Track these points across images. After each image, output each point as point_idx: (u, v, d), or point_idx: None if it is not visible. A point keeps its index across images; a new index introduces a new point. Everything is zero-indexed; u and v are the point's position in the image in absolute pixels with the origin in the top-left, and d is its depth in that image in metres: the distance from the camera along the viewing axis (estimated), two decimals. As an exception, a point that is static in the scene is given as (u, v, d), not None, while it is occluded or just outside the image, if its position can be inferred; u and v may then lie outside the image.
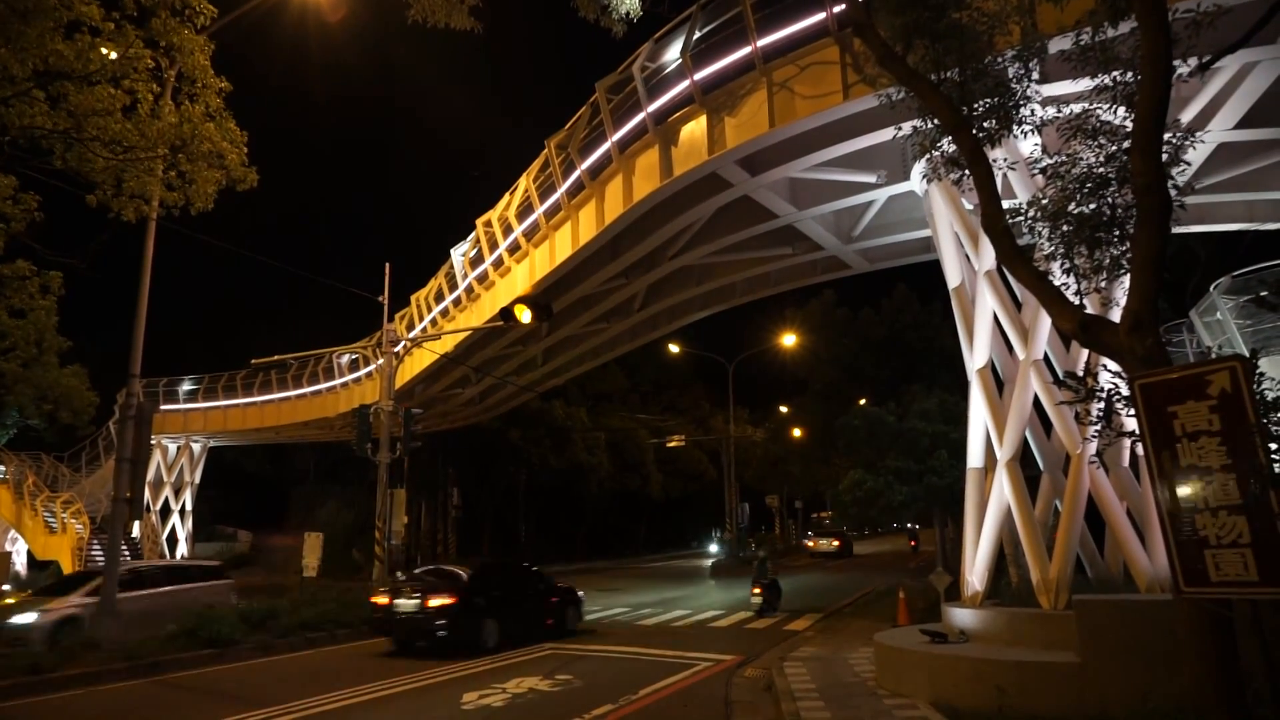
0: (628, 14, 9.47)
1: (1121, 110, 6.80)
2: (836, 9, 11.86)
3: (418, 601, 13.17)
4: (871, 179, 14.08)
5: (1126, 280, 6.21)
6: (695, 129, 14.31)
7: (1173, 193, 6.02)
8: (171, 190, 10.46)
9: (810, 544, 47.76)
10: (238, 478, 51.71)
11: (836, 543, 45.51)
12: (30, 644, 12.35)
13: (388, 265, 21.04)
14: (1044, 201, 7.02)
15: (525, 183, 19.97)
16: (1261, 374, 5.05)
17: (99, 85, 9.41)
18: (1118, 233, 6.52)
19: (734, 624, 16.97)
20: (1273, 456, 4.69)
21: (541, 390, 33.59)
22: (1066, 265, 6.96)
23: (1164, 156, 5.99)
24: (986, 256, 11.05)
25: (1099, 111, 6.97)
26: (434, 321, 27.17)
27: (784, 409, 46.11)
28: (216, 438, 43.22)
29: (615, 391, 56.09)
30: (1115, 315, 8.21)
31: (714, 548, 49.63)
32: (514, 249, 21.41)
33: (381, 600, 13.75)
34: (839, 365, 29.94)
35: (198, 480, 43.61)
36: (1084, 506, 9.99)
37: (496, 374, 28.68)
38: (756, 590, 18.39)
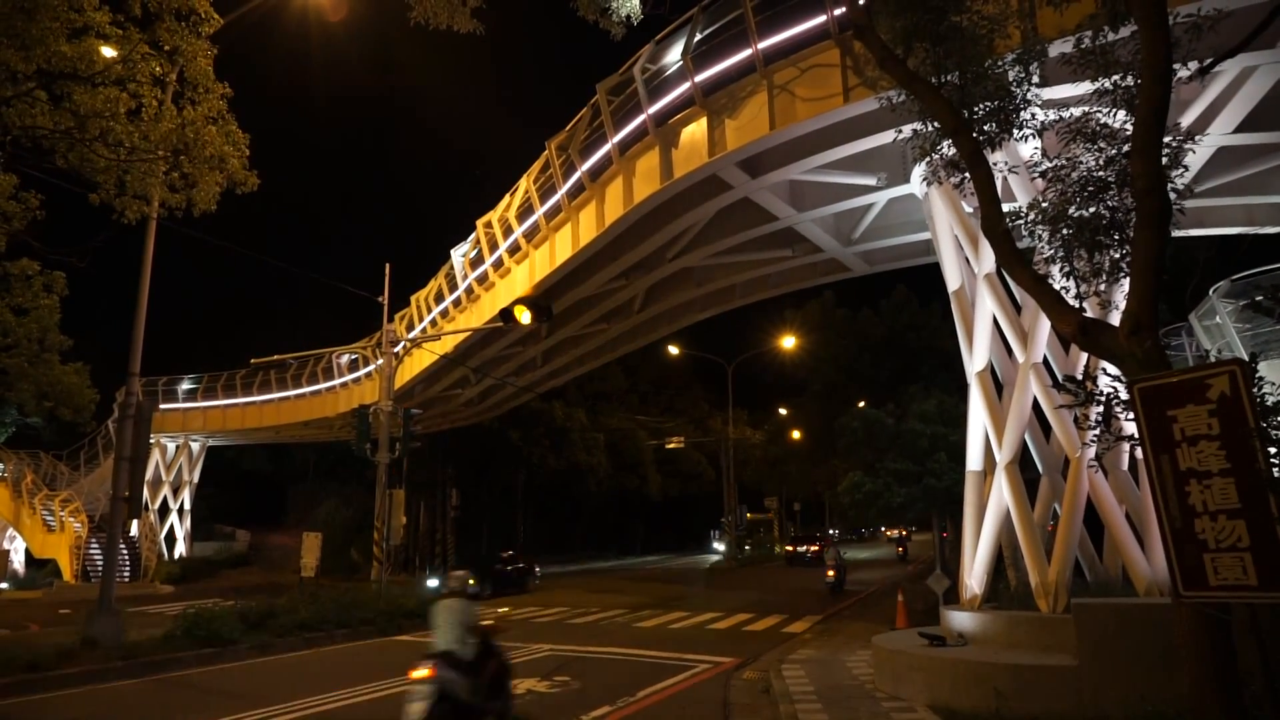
0: (628, 17, 9.47)
1: (1121, 114, 6.81)
2: (837, 11, 11.87)
3: (806, 547, 40.62)
4: (872, 181, 14.09)
5: (1126, 284, 6.22)
6: (696, 131, 14.32)
7: (1172, 196, 6.03)
8: (174, 192, 10.48)
9: (887, 533, 67.29)
10: (236, 476, 51.66)
11: (904, 532, 64.70)
12: None
13: (388, 265, 21.10)
14: (1044, 205, 7.02)
15: (526, 184, 19.98)
16: (1261, 378, 5.04)
17: (103, 88, 9.43)
18: (1117, 236, 6.53)
19: (732, 626, 16.98)
20: (1272, 461, 4.69)
21: (541, 391, 33.60)
22: (1066, 268, 6.97)
23: (1164, 160, 6.00)
24: (986, 259, 11.06)
25: (1099, 115, 6.98)
26: (434, 322, 27.17)
27: (783, 410, 46.14)
28: (215, 437, 43.19)
29: (614, 392, 56.11)
30: (1115, 319, 8.22)
31: (719, 546, 49.88)
32: (514, 250, 21.41)
33: (790, 547, 42.23)
34: (838, 366, 29.90)
35: (196, 479, 43.58)
36: (1083, 510, 9.99)
37: (496, 375, 28.69)
38: (900, 549, 45.11)
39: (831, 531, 63.09)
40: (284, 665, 12.52)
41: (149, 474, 32.84)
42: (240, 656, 12.81)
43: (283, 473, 53.63)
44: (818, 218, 15.97)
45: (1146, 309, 5.71)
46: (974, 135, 7.22)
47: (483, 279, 23.52)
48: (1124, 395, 5.52)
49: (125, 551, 31.70)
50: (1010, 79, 7.58)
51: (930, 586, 13.03)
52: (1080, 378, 6.76)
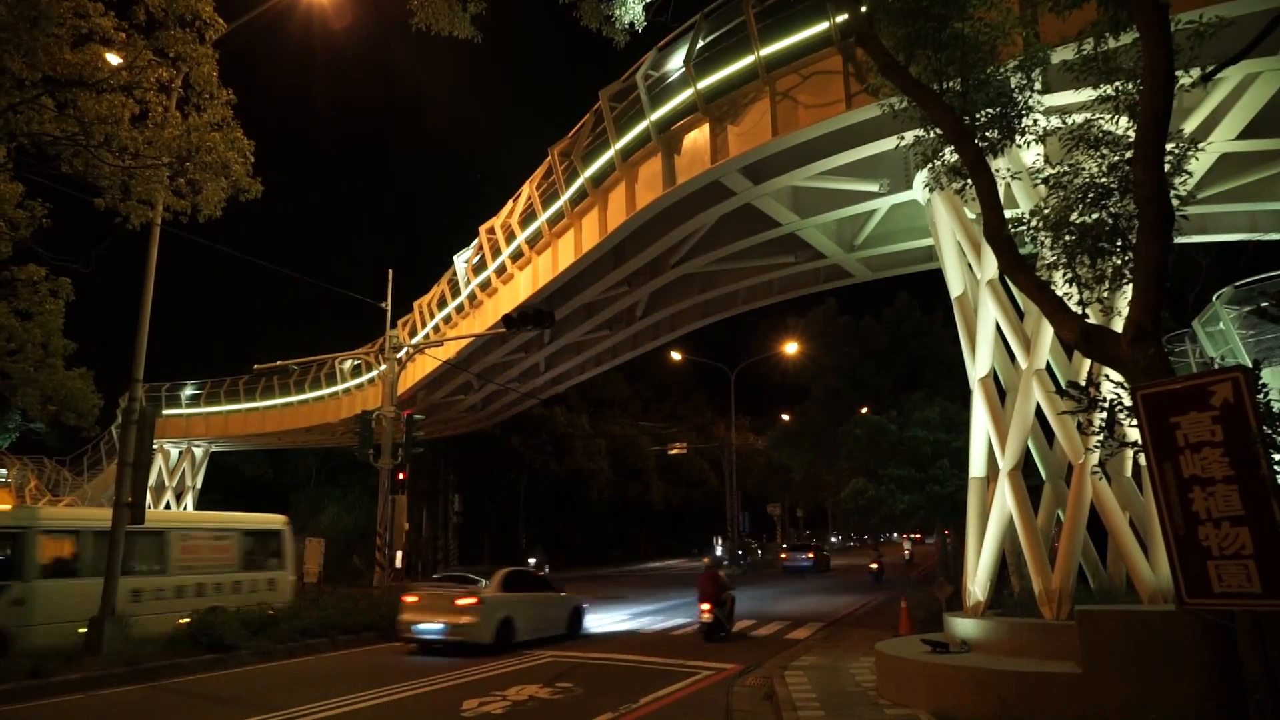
0: (631, 24, 9.48)
1: (1124, 120, 6.82)
2: (839, 18, 11.90)
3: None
4: (874, 188, 14.10)
5: (1129, 290, 6.21)
6: (698, 137, 14.34)
7: (1175, 203, 6.03)
8: (179, 197, 10.51)
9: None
10: (238, 482, 51.61)
11: (946, 532, 72.13)
12: None
13: (390, 271, 21.07)
14: (1046, 211, 7.03)
15: (528, 190, 20.03)
16: (1264, 384, 5.03)
17: (108, 94, 9.48)
18: (1120, 242, 6.52)
19: (735, 632, 16.91)
20: (1276, 467, 4.68)
21: (543, 397, 33.61)
22: (1069, 275, 6.96)
23: (1166, 167, 6.00)
24: (989, 266, 11.06)
25: (1101, 121, 6.98)
26: (437, 328, 27.20)
27: (786, 416, 46.11)
28: (218, 442, 43.24)
29: (617, 398, 56.05)
30: (1117, 325, 8.22)
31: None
32: (517, 256, 21.45)
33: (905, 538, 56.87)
34: (840, 373, 29.92)
35: (199, 485, 43.61)
36: (1086, 516, 9.97)
37: (499, 380, 28.71)
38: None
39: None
40: (286, 671, 12.49)
41: (152, 480, 32.83)
42: (242, 662, 12.79)
43: (285, 479, 53.55)
44: (820, 223, 15.98)
45: (1149, 315, 5.71)
46: (976, 142, 7.23)
47: (486, 285, 23.56)
48: (1127, 401, 5.52)
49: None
50: (1012, 86, 7.59)
51: (933, 593, 13.00)
52: (1083, 384, 6.74)
